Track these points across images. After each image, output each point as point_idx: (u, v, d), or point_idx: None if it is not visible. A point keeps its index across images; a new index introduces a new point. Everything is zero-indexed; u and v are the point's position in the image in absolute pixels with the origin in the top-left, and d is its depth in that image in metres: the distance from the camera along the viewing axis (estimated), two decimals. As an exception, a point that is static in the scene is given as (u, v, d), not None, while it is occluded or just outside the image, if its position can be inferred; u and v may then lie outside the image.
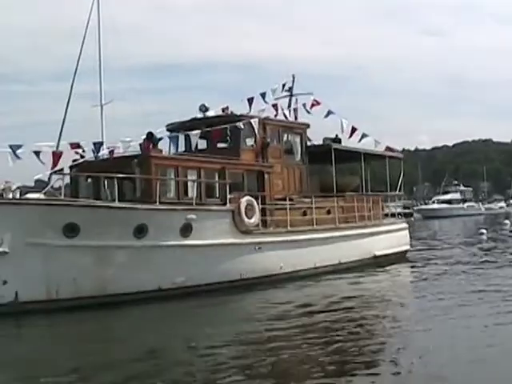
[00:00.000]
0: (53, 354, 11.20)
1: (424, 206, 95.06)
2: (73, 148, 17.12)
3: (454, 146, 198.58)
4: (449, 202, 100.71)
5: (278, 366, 9.55)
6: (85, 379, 9.23)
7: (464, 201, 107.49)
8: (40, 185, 17.97)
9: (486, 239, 34.89)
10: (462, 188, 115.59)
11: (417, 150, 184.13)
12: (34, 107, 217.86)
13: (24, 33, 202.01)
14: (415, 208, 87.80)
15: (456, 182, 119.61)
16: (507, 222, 48.21)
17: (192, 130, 19.14)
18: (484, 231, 38.04)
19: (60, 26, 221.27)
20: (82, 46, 41.88)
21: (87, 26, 41.97)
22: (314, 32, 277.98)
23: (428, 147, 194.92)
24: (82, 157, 18.00)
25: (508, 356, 9.49)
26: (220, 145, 20.41)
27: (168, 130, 20.32)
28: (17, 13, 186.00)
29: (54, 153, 16.68)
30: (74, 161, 17.90)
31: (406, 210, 29.38)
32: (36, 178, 16.47)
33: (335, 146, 23.17)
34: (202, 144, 20.54)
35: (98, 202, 15.50)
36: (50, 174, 16.30)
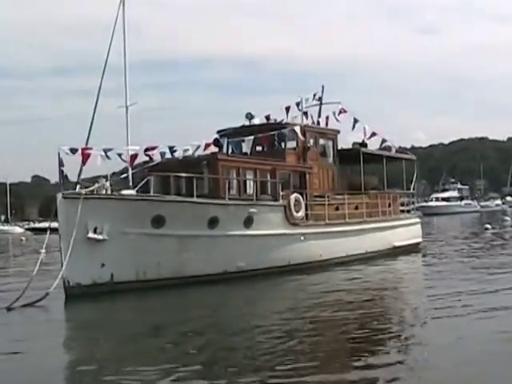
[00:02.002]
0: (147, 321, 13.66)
1: (424, 204, 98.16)
2: (150, 150, 19.78)
3: (450, 143, 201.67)
4: (447, 199, 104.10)
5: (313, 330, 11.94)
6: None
7: (461, 198, 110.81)
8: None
9: (490, 234, 37.88)
10: (459, 186, 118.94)
11: (413, 147, 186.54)
12: (31, 103, 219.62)
13: (22, 27, 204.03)
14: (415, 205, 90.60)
15: (453, 180, 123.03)
16: (507, 218, 51.28)
17: (244, 135, 21.96)
18: (489, 226, 41.09)
19: (59, 20, 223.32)
20: (111, 44, 43.81)
21: (115, 24, 43.81)
22: (313, 30, 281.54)
23: (424, 145, 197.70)
24: (151, 158, 20.66)
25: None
26: (259, 148, 23.18)
27: (221, 135, 23.08)
28: (16, 7, 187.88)
29: (131, 155, 19.42)
30: (145, 162, 20.60)
31: (403, 208, 32.09)
32: (123, 176, 19.09)
33: (363, 149, 26.14)
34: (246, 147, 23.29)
35: (180, 198, 18.22)
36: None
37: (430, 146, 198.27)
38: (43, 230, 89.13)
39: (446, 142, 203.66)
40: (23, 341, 11.60)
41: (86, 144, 44.09)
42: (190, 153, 20.22)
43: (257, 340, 10.96)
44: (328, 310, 13.64)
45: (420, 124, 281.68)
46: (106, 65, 44.93)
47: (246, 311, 14.63)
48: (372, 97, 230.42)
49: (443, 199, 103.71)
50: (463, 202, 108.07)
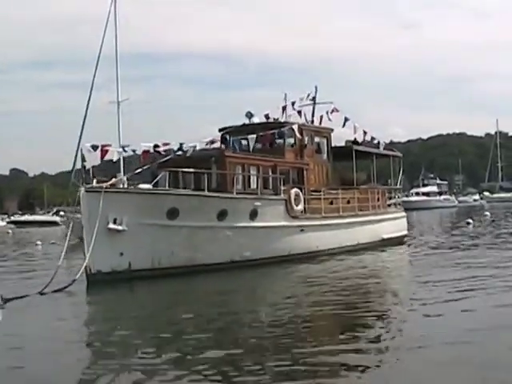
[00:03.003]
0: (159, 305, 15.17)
1: (405, 198, 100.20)
2: (164, 146, 21.15)
3: (428, 139, 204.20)
4: (427, 194, 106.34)
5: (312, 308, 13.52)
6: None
7: (440, 193, 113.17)
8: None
9: (472, 228, 39.69)
10: (438, 181, 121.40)
11: (392, 142, 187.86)
12: (8, 96, 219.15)
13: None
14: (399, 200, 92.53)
15: (432, 176, 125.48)
16: (487, 213, 53.35)
17: (246, 133, 23.37)
18: (471, 221, 42.96)
19: (38, 15, 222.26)
20: (103, 41, 44.60)
21: (108, 20, 44.66)
22: (289, 24, 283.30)
23: (403, 140, 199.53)
24: (159, 153, 21.96)
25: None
26: (258, 145, 24.54)
27: (223, 133, 24.44)
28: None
29: (143, 151, 20.80)
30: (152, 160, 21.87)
31: (390, 202, 33.89)
32: (137, 171, 20.36)
33: (355, 147, 27.75)
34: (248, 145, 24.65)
35: (193, 192, 19.58)
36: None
37: (409, 141, 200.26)
38: (26, 223, 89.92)
39: (425, 137, 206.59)
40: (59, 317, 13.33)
41: (80, 137, 45.16)
42: (190, 149, 21.35)
43: (260, 321, 12.30)
44: (326, 295, 14.88)
45: (398, 119, 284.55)
46: (98, 61, 45.67)
47: (251, 296, 15.98)
48: (347, 91, 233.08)
49: (424, 194, 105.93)
50: (442, 197, 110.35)
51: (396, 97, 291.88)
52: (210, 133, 24.30)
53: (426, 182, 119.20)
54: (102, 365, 9.30)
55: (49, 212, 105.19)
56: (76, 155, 34.52)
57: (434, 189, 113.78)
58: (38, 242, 40.42)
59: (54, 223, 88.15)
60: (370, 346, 9.69)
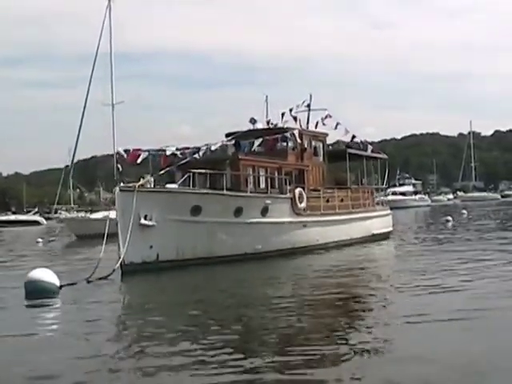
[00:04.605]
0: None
1: (383, 198, 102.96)
2: (182, 150, 23.43)
3: (402, 138, 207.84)
4: (403, 194, 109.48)
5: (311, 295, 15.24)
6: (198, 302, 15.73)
7: (416, 193, 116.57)
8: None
9: (452, 224, 42.50)
10: (413, 181, 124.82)
11: (366, 142, 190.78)
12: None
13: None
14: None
15: (407, 175, 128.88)
16: (464, 211, 56.28)
17: (252, 138, 25.75)
18: (450, 218, 45.73)
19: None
20: (99, 44, 46.47)
21: (104, 21, 46.42)
22: (263, 22, 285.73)
23: (376, 139, 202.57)
24: (176, 156, 24.20)
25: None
26: (261, 149, 26.84)
27: (231, 138, 26.73)
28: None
29: (165, 155, 23.08)
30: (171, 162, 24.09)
31: (377, 200, 36.82)
32: (162, 172, 22.47)
33: (349, 150, 30.35)
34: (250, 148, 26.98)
35: (214, 191, 21.80)
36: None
37: (382, 140, 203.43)
38: (8, 223, 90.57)
39: (399, 136, 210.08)
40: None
41: (77, 138, 47.07)
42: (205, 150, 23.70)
43: (270, 308, 13.64)
44: (326, 281, 17.11)
45: (371, 118, 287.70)
46: (95, 62, 47.21)
47: (262, 284, 17.72)
48: (320, 90, 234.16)
49: (400, 193, 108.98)
50: (417, 197, 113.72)
51: (369, 96, 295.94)
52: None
53: (401, 181, 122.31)
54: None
55: (29, 211, 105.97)
56: (73, 156, 36.58)
57: (410, 188, 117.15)
58: (39, 240, 42.49)
59: (36, 222, 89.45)
60: (371, 320, 11.55)
